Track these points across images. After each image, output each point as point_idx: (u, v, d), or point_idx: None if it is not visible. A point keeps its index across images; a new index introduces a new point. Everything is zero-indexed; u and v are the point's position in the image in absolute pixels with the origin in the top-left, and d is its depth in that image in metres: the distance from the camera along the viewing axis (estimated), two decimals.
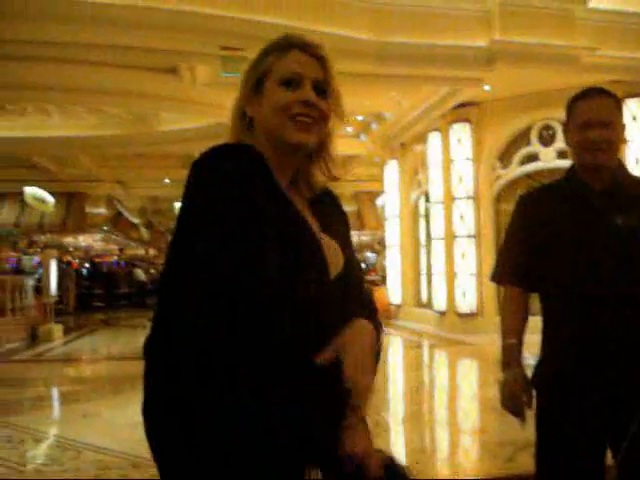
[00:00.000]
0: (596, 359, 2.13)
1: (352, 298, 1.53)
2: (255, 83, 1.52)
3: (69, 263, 23.30)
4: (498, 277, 2.42)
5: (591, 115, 2.17)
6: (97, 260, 27.69)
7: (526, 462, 4.05)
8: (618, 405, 2.12)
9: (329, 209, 1.63)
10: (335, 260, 1.51)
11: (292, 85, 1.49)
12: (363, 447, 1.38)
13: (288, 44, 1.53)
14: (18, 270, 20.15)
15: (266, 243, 1.32)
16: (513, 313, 2.31)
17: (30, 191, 17.71)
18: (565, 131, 2.31)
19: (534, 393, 2.25)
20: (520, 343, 2.27)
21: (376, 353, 1.45)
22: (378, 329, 1.48)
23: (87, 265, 26.81)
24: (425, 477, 4.33)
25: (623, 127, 2.24)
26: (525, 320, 2.31)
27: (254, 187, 1.36)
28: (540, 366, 2.31)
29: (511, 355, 2.24)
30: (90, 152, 18.90)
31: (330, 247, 1.51)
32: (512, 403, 2.21)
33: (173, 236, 1.43)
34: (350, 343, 1.37)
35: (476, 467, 4.66)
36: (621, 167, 2.29)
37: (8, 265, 21.45)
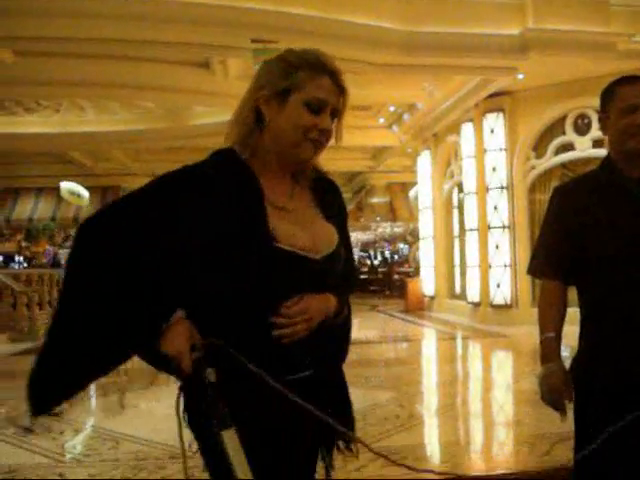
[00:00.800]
0: (635, 347, 2.09)
1: (338, 275, 1.72)
2: (281, 91, 1.65)
3: None
4: (535, 270, 2.38)
5: (637, 99, 2.12)
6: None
7: (563, 455, 4.02)
8: None
9: (331, 198, 1.82)
10: (324, 240, 1.69)
11: (317, 110, 1.66)
12: (174, 348, 1.54)
13: (322, 67, 1.67)
14: (55, 264, 20.46)
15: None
16: (551, 306, 2.27)
17: (66, 186, 17.95)
18: (603, 118, 2.26)
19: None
20: (559, 337, 2.24)
21: (334, 321, 1.66)
22: (341, 304, 1.69)
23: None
24: (459, 470, 4.32)
25: None
26: (563, 313, 2.28)
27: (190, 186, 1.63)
28: (579, 359, 2.27)
29: (550, 349, 2.22)
30: (124, 146, 19.09)
31: (320, 229, 1.71)
32: (552, 397, 2.18)
33: None
34: (312, 297, 1.60)
35: (511, 460, 4.62)
36: None
37: (45, 259, 21.79)
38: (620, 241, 2.13)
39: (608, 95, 2.22)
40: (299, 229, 1.64)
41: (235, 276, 1.54)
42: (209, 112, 14.59)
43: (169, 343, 1.53)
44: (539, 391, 2.22)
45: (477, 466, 4.52)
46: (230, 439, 1.47)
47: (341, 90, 1.69)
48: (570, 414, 2.23)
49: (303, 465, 1.66)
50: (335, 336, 1.68)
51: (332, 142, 1.77)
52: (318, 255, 1.64)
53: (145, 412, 6.11)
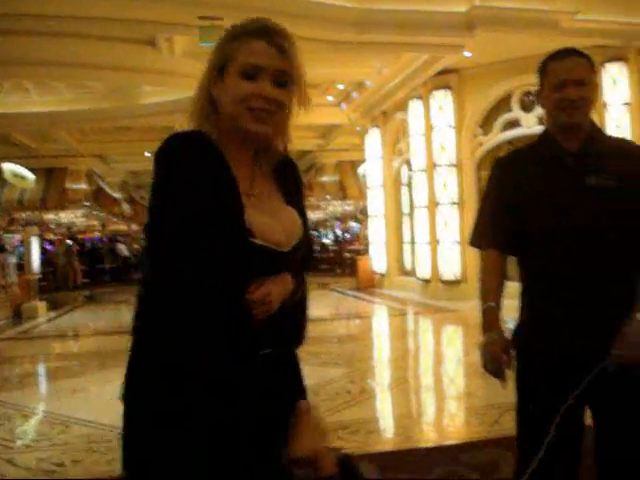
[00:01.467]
0: (572, 320, 2.14)
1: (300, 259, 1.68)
2: (220, 66, 1.57)
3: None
4: (476, 241, 2.41)
5: (567, 74, 2.18)
6: (79, 236, 27.50)
7: (511, 424, 4.12)
8: (595, 364, 2.11)
9: (290, 178, 1.73)
10: (293, 231, 1.63)
11: (252, 76, 1.53)
12: (309, 449, 1.49)
13: (254, 31, 1.56)
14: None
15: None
16: (491, 276, 2.31)
17: (9, 167, 17.54)
18: (539, 93, 2.30)
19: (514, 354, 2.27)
20: (499, 305, 2.28)
21: (291, 296, 1.62)
22: (298, 280, 1.64)
23: (69, 242, 26.66)
24: (412, 442, 4.40)
25: (596, 86, 2.27)
26: (503, 283, 2.31)
27: (199, 171, 1.50)
28: (519, 328, 2.31)
29: (491, 318, 2.25)
30: (69, 127, 18.69)
31: (288, 218, 1.64)
32: (493, 365, 2.22)
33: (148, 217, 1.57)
34: (272, 281, 1.55)
35: (462, 430, 4.72)
36: (594, 127, 2.29)
37: None
38: (557, 213, 2.17)
39: (542, 70, 2.26)
40: (270, 219, 1.58)
41: (209, 262, 1.47)
42: (156, 91, 14.37)
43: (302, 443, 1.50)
44: (481, 360, 2.26)
45: (429, 437, 4.60)
46: None
47: (282, 51, 1.55)
48: (512, 383, 2.29)
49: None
50: (293, 315, 1.66)
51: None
52: (288, 247, 1.60)
53: (95, 395, 6.05)
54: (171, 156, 1.53)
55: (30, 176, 17.99)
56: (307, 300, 1.75)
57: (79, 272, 21.85)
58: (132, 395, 1.56)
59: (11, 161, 18.16)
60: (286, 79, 1.57)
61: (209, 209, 1.47)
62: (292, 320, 1.67)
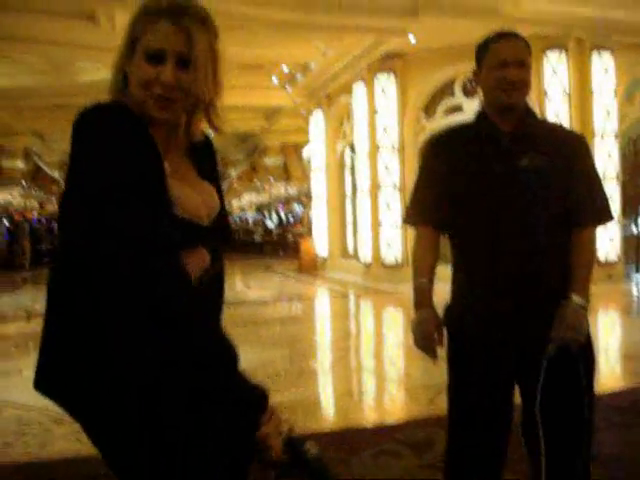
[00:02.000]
0: (503, 298, 2.18)
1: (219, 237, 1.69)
2: (129, 45, 1.52)
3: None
4: (410, 219, 2.41)
5: (508, 55, 2.20)
6: (17, 217, 26.82)
7: (445, 404, 4.19)
8: (525, 343, 2.19)
9: (206, 156, 1.72)
10: (211, 204, 1.63)
11: (156, 60, 1.49)
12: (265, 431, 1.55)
13: (158, 10, 1.50)
14: None
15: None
16: (424, 253, 2.32)
17: None
18: (476, 74, 2.33)
19: (445, 333, 2.29)
20: (431, 282, 2.29)
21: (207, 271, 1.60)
22: (214, 256, 1.62)
23: (6, 223, 25.97)
24: (352, 421, 4.43)
25: (531, 70, 2.29)
26: (435, 260, 2.32)
27: (122, 140, 1.45)
28: (450, 307, 2.34)
29: (423, 295, 2.26)
30: (4, 104, 18.12)
31: (206, 192, 1.63)
32: (424, 343, 2.23)
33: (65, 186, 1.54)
34: (189, 255, 1.52)
35: (399, 410, 4.79)
36: (529, 110, 2.32)
37: None
38: (490, 192, 2.20)
39: (482, 51, 2.28)
40: (191, 191, 1.57)
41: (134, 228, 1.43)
42: (96, 68, 14.01)
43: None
44: (412, 337, 2.27)
45: (368, 416, 4.65)
46: None
47: (187, 33, 1.48)
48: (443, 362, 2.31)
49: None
50: (210, 290, 1.64)
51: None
52: (207, 220, 1.60)
53: (28, 378, 5.91)
54: (93, 126, 1.47)
55: None
56: (224, 275, 1.74)
57: (28, 252, 21.44)
58: (50, 379, 1.52)
59: None
60: (190, 61, 1.50)
61: (133, 179, 1.42)
62: (210, 295, 1.65)
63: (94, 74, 14.28)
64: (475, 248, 2.25)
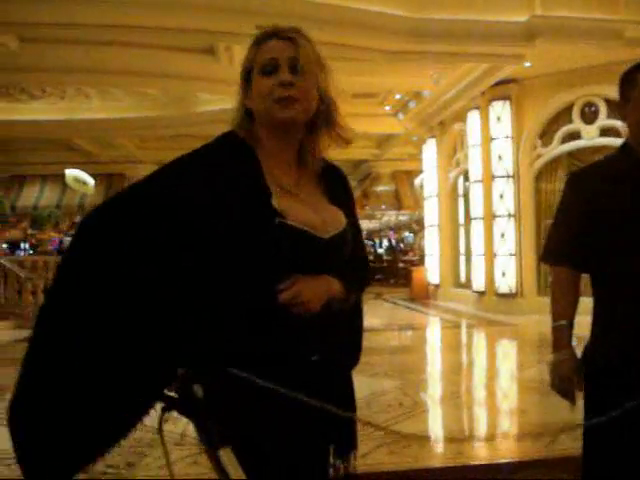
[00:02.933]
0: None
1: (345, 260, 1.68)
2: (245, 78, 1.69)
3: None
4: (549, 257, 2.28)
5: None
6: None
7: (568, 444, 4.01)
8: None
9: (338, 185, 1.78)
10: (332, 223, 1.65)
11: (271, 71, 1.62)
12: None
13: (263, 36, 1.67)
14: (60, 251, 20.50)
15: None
16: (564, 294, 2.19)
17: (71, 173, 17.92)
18: (622, 105, 2.15)
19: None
20: (571, 325, 2.17)
21: (341, 302, 1.62)
22: (350, 288, 1.65)
23: None
24: (463, 458, 4.32)
25: None
26: (576, 302, 2.20)
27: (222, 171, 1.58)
28: (590, 348, 2.18)
29: (562, 336, 2.15)
30: (129, 134, 19.09)
31: (328, 212, 1.67)
32: (562, 385, 2.12)
33: None
34: (307, 279, 1.56)
35: (516, 449, 4.61)
36: None
37: (51, 246, 21.82)
38: (636, 229, 2.04)
39: (628, 82, 2.10)
40: (307, 209, 1.61)
41: (244, 260, 1.49)
42: (214, 99, 14.55)
43: None
44: (549, 379, 2.17)
45: (481, 454, 4.51)
46: (227, 457, 1.39)
47: (292, 41, 1.64)
48: (580, 403, 2.19)
49: (315, 469, 1.63)
50: (342, 323, 1.64)
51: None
52: (326, 234, 1.61)
53: None
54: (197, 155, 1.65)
55: (91, 181, 18.36)
56: (362, 313, 1.72)
57: None
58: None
59: (73, 166, 18.59)
60: (301, 65, 1.63)
61: (235, 199, 1.52)
62: (344, 329, 1.64)
63: (213, 105, 14.82)
64: (621, 289, 2.09)
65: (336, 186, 1.76)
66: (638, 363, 2.03)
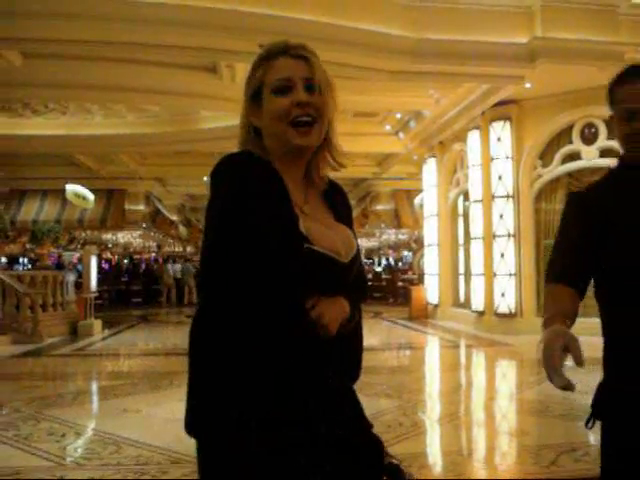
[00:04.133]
0: None
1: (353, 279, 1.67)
2: (252, 96, 1.63)
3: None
4: (549, 278, 2.04)
5: (636, 102, 1.84)
6: (136, 257, 27.96)
7: (569, 466, 3.99)
8: None
9: (340, 202, 1.76)
10: (348, 244, 1.63)
11: (285, 91, 1.58)
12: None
13: (273, 53, 1.62)
14: (59, 266, 20.50)
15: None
16: (560, 302, 1.89)
17: (71, 188, 17.97)
18: (611, 121, 1.99)
19: (598, 421, 1.87)
20: (565, 322, 1.82)
21: (348, 323, 1.61)
22: (353, 307, 1.63)
23: (126, 261, 27.12)
24: (463, 478, 4.29)
25: None
26: (574, 313, 1.87)
27: (252, 184, 1.52)
28: (604, 386, 1.89)
29: (553, 321, 1.79)
30: (130, 150, 19.15)
31: (343, 233, 1.65)
32: (548, 360, 1.72)
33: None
34: (326, 301, 1.54)
35: (515, 470, 4.59)
36: None
37: (49, 261, 21.83)
38: None
39: (609, 96, 1.96)
40: (328, 231, 1.60)
41: (271, 277, 1.48)
42: (216, 116, 14.61)
43: None
44: (540, 356, 1.80)
45: (480, 475, 4.48)
46: None
47: (305, 60, 1.60)
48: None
49: None
50: (349, 344, 1.63)
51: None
52: (346, 259, 1.60)
53: (147, 416, 6.09)
54: (225, 173, 1.55)
55: (91, 197, 18.40)
56: (362, 329, 1.71)
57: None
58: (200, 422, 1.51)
59: (73, 182, 18.63)
60: (316, 85, 1.59)
61: (265, 219, 1.48)
62: (348, 350, 1.63)
63: (215, 122, 14.88)
64: (637, 315, 1.81)
65: (339, 203, 1.74)
66: None
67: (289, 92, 1.58)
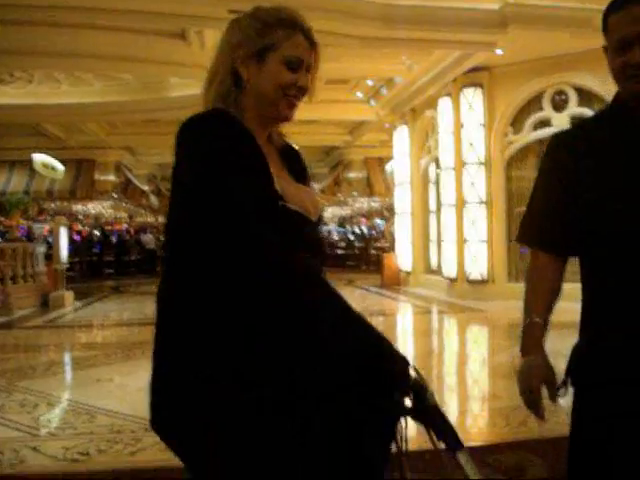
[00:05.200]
0: None
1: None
2: (258, 51, 1.65)
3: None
4: (523, 237, 1.91)
5: (630, 30, 1.66)
6: (107, 228, 27.71)
7: (537, 426, 4.06)
8: None
9: (297, 164, 1.82)
10: (315, 203, 1.72)
11: (294, 68, 1.66)
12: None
13: (294, 24, 1.68)
14: (29, 237, 20.24)
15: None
16: (542, 283, 1.81)
17: (39, 158, 17.71)
18: (605, 52, 1.80)
19: (570, 385, 1.79)
20: (545, 322, 1.78)
21: None
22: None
23: (97, 233, 26.87)
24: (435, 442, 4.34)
25: None
26: (555, 295, 1.82)
27: (235, 143, 1.54)
28: (580, 350, 1.80)
29: (533, 338, 1.77)
30: (99, 119, 18.88)
31: (310, 193, 1.75)
32: (527, 397, 1.74)
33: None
34: None
35: (487, 432, 4.67)
36: None
37: (19, 233, 21.55)
38: (634, 202, 1.67)
39: (603, 25, 1.79)
40: (298, 191, 1.65)
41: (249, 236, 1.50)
42: (185, 84, 14.42)
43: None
44: (518, 387, 1.79)
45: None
46: (465, 459, 1.48)
47: (313, 46, 1.70)
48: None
49: None
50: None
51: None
52: (314, 217, 1.67)
53: (120, 386, 6.08)
54: (200, 132, 1.57)
55: (60, 167, 18.16)
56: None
57: None
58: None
59: (41, 152, 18.35)
60: (309, 70, 1.71)
61: (244, 179, 1.50)
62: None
63: (184, 89, 14.69)
64: (617, 275, 1.70)
65: (296, 164, 1.80)
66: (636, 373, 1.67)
67: (297, 70, 1.66)
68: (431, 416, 1.49)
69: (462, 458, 1.47)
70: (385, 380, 1.49)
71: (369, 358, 1.48)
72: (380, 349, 1.49)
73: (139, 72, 13.90)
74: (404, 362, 1.50)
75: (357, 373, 1.48)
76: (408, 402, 1.50)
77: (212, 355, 1.47)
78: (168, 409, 1.53)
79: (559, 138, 1.87)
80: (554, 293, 1.82)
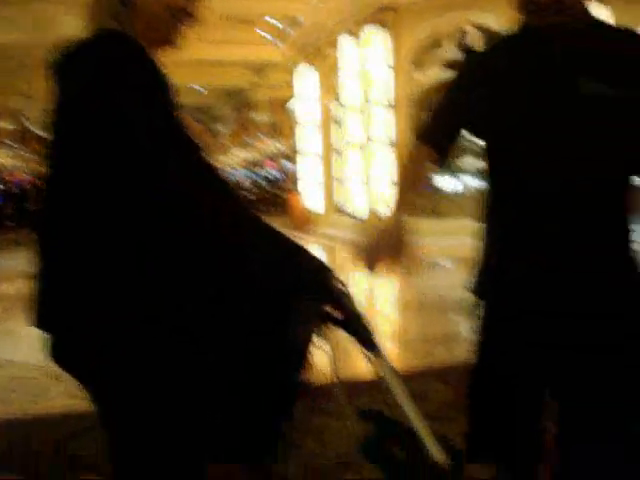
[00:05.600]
0: (547, 275, 1.68)
1: None
2: None
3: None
4: (417, 134, 1.92)
5: None
6: (7, 178, 26.61)
7: (442, 356, 4.21)
8: (568, 329, 1.68)
9: None
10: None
11: None
12: None
13: None
14: None
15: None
16: (413, 178, 1.86)
17: None
18: None
19: (482, 302, 1.84)
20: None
21: None
22: None
23: None
24: (347, 375, 4.42)
25: None
26: (424, 177, 1.88)
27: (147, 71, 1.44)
28: (484, 272, 1.83)
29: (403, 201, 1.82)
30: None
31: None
32: (367, 252, 1.86)
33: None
34: None
35: (395, 361, 4.77)
36: (589, 16, 1.70)
37: None
38: (532, 133, 1.67)
39: None
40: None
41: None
42: (79, 24, 13.76)
43: None
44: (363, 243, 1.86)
45: (360, 370, 4.63)
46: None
47: None
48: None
49: None
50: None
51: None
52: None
53: (22, 337, 5.90)
54: (96, 60, 1.46)
55: None
56: None
57: None
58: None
59: None
60: None
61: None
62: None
63: (78, 30, 14.03)
64: (513, 202, 1.74)
65: None
66: (533, 296, 1.70)
67: None
68: (353, 323, 1.53)
69: (378, 362, 1.56)
70: (306, 289, 1.49)
71: (290, 268, 1.47)
72: (300, 258, 1.48)
73: (28, 10, 13.19)
74: (326, 271, 1.49)
75: (278, 282, 1.48)
76: (331, 310, 1.52)
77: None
78: (66, 338, 1.51)
79: (475, 55, 1.93)
80: (419, 179, 1.87)
